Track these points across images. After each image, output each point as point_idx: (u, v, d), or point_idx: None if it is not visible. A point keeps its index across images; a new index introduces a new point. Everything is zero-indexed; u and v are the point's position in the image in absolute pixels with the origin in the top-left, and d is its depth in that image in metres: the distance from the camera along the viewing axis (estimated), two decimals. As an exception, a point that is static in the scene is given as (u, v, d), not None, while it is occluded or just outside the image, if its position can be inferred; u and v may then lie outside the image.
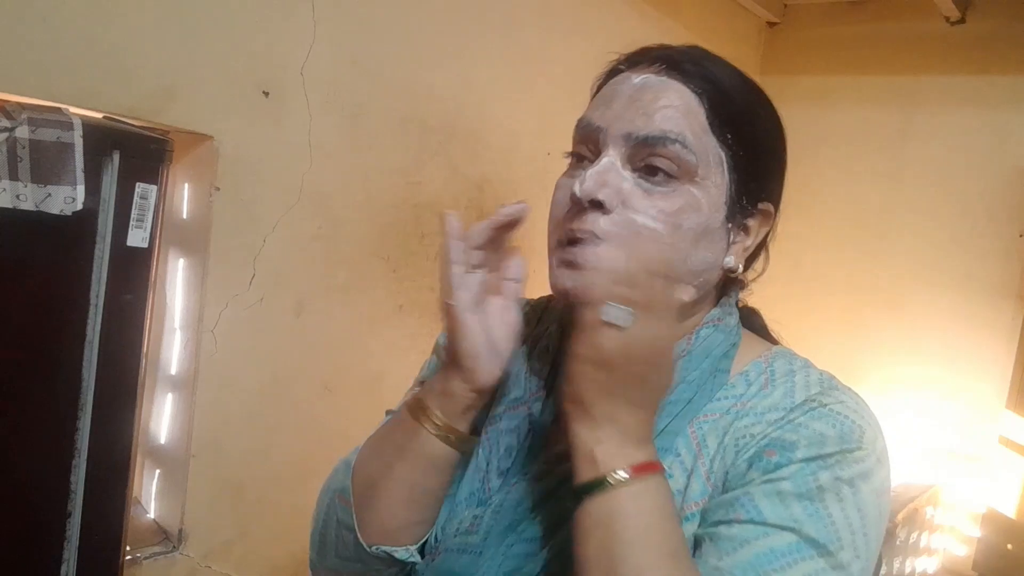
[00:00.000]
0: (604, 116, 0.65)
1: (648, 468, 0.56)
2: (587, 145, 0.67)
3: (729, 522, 0.57)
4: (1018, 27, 2.63)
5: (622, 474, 0.55)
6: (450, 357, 0.66)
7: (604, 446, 0.57)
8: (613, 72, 0.70)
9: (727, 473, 0.62)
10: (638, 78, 0.65)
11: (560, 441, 0.69)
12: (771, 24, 3.20)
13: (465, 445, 0.68)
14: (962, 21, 2.74)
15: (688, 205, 0.63)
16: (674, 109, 0.63)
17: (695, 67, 0.64)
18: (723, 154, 0.64)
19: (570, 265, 0.64)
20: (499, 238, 0.66)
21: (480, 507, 0.69)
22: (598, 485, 0.56)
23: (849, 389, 0.66)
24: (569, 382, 0.59)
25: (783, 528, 0.56)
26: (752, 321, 0.76)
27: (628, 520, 0.54)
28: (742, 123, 0.65)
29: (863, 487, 0.58)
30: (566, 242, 0.64)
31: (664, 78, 0.64)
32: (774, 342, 0.75)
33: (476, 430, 0.70)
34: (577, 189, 0.62)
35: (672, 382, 0.60)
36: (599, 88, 0.70)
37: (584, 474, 0.57)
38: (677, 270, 0.63)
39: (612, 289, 0.55)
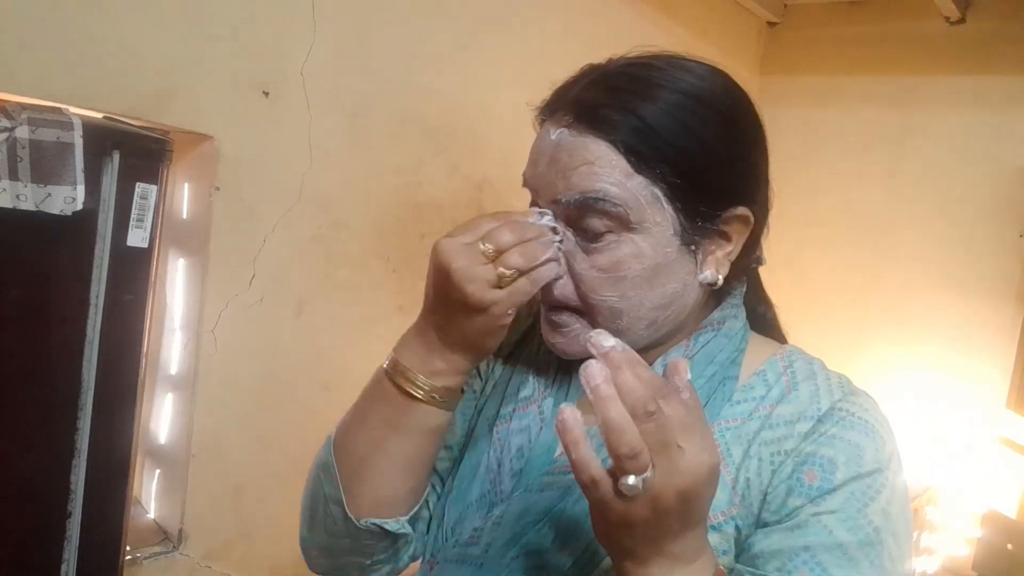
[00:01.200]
0: (535, 177, 0.65)
1: None
2: (535, 202, 0.67)
3: None
4: (1018, 27, 2.63)
5: None
6: (474, 343, 0.65)
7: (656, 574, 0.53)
8: (540, 117, 0.68)
9: (765, 494, 0.61)
10: (554, 133, 0.63)
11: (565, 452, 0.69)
12: (771, 24, 3.20)
13: (459, 399, 0.69)
14: (962, 21, 2.73)
15: (628, 255, 0.61)
16: (589, 166, 0.60)
17: (611, 109, 0.60)
18: (657, 190, 0.61)
19: (555, 327, 0.67)
20: None
21: (485, 516, 0.69)
22: None
23: (863, 391, 0.66)
24: (603, 540, 0.55)
25: None
26: (761, 316, 0.75)
27: None
28: (675, 152, 0.60)
29: (896, 503, 0.60)
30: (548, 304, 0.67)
31: (575, 134, 0.61)
32: (783, 340, 0.75)
33: None
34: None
35: (715, 488, 0.54)
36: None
37: None
38: (636, 314, 0.63)
39: (623, 464, 0.48)
